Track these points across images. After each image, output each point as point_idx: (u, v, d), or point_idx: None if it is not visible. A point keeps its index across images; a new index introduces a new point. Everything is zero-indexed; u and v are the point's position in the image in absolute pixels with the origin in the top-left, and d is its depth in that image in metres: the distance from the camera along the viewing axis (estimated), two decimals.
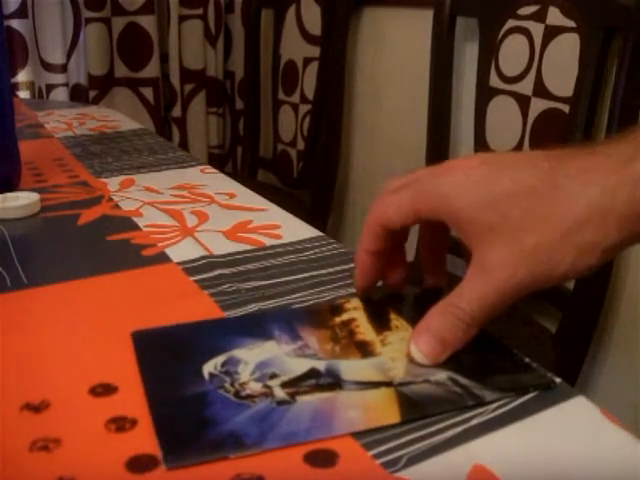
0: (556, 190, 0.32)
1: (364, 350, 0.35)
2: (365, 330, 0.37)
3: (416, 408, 0.30)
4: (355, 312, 0.39)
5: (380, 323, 0.38)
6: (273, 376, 0.33)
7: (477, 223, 0.33)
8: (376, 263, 0.40)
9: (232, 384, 0.32)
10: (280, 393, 0.31)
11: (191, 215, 0.58)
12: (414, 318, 0.36)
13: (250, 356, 0.34)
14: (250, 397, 0.31)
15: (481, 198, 0.33)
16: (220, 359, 0.34)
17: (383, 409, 0.30)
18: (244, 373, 0.33)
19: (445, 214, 0.35)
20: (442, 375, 0.33)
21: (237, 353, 0.35)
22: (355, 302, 0.41)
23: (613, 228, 0.31)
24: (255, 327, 0.37)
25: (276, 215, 0.58)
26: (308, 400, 0.31)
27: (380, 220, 0.38)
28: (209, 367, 0.33)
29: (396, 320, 0.39)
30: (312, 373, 0.33)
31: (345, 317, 0.39)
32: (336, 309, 0.40)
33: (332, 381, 0.32)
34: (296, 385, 0.32)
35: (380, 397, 0.31)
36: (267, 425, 0.29)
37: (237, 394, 0.31)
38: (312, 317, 0.39)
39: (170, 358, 0.34)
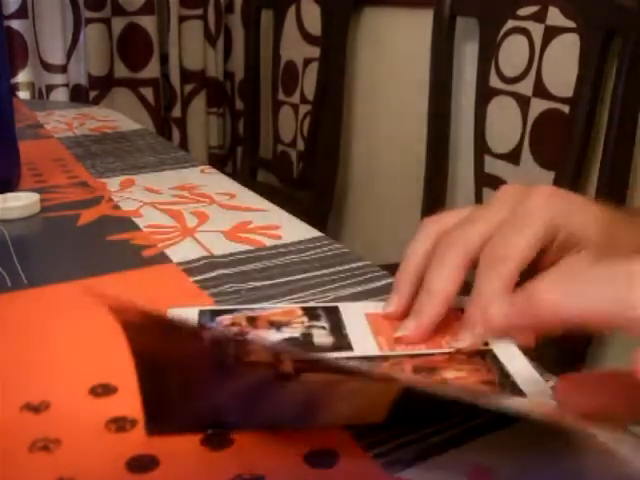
0: None
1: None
2: None
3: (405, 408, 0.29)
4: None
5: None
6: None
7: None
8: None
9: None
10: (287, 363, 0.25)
11: (191, 215, 0.58)
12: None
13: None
14: (254, 364, 0.25)
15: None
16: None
17: (374, 405, 0.28)
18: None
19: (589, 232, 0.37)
20: None
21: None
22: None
23: None
24: None
25: (276, 215, 0.58)
26: (310, 380, 0.26)
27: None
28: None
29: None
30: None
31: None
32: None
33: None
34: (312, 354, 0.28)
35: (379, 391, 0.29)
36: (251, 406, 0.28)
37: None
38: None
39: None
